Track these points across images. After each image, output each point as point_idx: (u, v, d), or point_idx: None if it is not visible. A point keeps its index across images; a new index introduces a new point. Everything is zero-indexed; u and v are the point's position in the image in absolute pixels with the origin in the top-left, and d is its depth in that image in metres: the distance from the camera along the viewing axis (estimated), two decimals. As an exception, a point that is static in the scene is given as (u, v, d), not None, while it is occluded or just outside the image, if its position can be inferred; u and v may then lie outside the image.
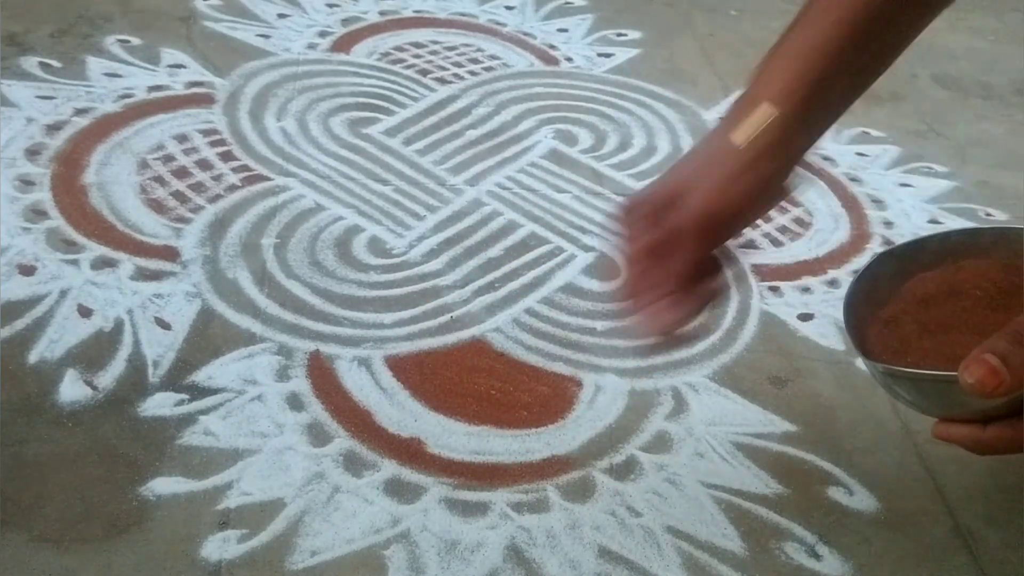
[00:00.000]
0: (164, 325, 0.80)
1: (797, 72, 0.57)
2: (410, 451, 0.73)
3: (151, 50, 1.16)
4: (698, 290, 0.58)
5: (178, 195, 0.95)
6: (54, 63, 1.11)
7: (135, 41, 1.18)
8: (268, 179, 0.99)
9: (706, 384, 0.83)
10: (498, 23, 1.36)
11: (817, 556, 0.69)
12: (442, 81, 1.20)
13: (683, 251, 0.57)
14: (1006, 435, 0.52)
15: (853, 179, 1.13)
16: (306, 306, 0.84)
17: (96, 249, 0.86)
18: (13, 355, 0.75)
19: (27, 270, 0.83)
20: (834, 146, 1.19)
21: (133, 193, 0.94)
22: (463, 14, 1.37)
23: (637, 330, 0.58)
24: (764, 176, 0.57)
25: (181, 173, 0.97)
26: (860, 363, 0.57)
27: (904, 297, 0.61)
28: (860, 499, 0.74)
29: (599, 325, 0.88)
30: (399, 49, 1.26)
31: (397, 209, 0.98)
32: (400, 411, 0.76)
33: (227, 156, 1.01)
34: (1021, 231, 0.59)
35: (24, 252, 0.85)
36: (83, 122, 1.02)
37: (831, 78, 0.58)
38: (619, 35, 1.38)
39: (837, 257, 1.00)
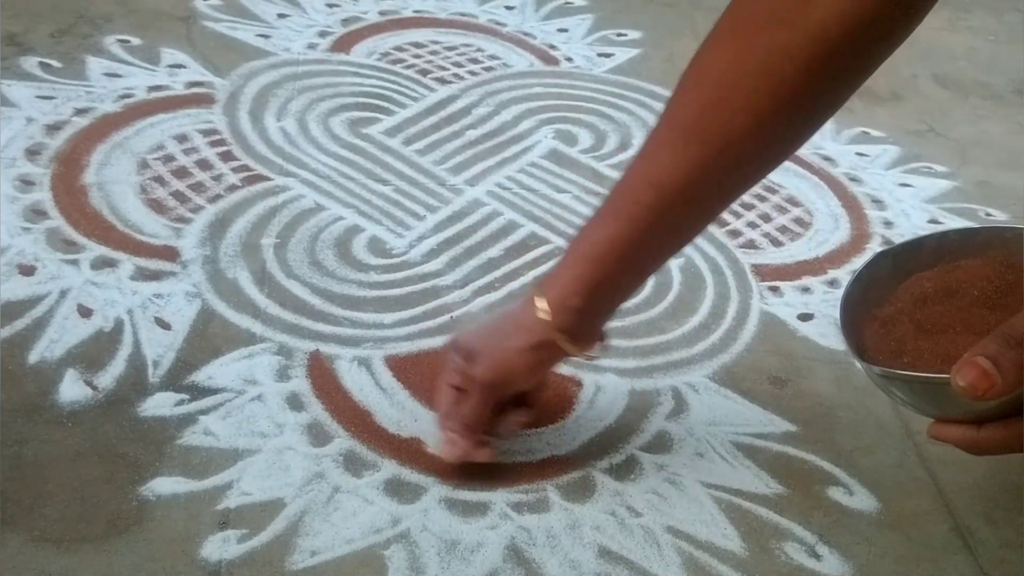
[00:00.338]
0: (164, 325, 0.80)
1: (582, 276, 0.65)
2: (410, 451, 0.73)
3: (151, 50, 1.16)
4: (500, 424, 0.72)
5: (178, 195, 0.95)
6: (54, 63, 1.11)
7: (135, 41, 1.18)
8: (268, 179, 0.99)
9: (706, 384, 0.83)
10: (498, 23, 1.36)
11: (817, 556, 0.69)
12: (442, 81, 1.20)
13: (472, 399, 0.69)
14: (1000, 436, 0.52)
15: (853, 179, 1.13)
16: (306, 306, 0.84)
17: (96, 249, 0.86)
18: (13, 355, 0.75)
19: (27, 270, 0.83)
20: (834, 146, 1.19)
21: (133, 193, 0.94)
22: (463, 14, 1.37)
23: (438, 451, 0.71)
24: (554, 355, 0.69)
25: (181, 173, 0.97)
26: (858, 364, 0.58)
27: (901, 297, 0.61)
28: (860, 499, 0.74)
29: (599, 325, 0.88)
30: (399, 49, 1.26)
31: (397, 209, 0.98)
32: (400, 411, 0.76)
33: (227, 156, 1.01)
34: (1018, 230, 0.59)
35: (24, 252, 0.85)
36: (83, 122, 1.02)
37: (615, 278, 0.66)
38: (619, 35, 1.38)
39: (837, 257, 1.00)
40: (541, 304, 0.66)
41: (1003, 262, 0.59)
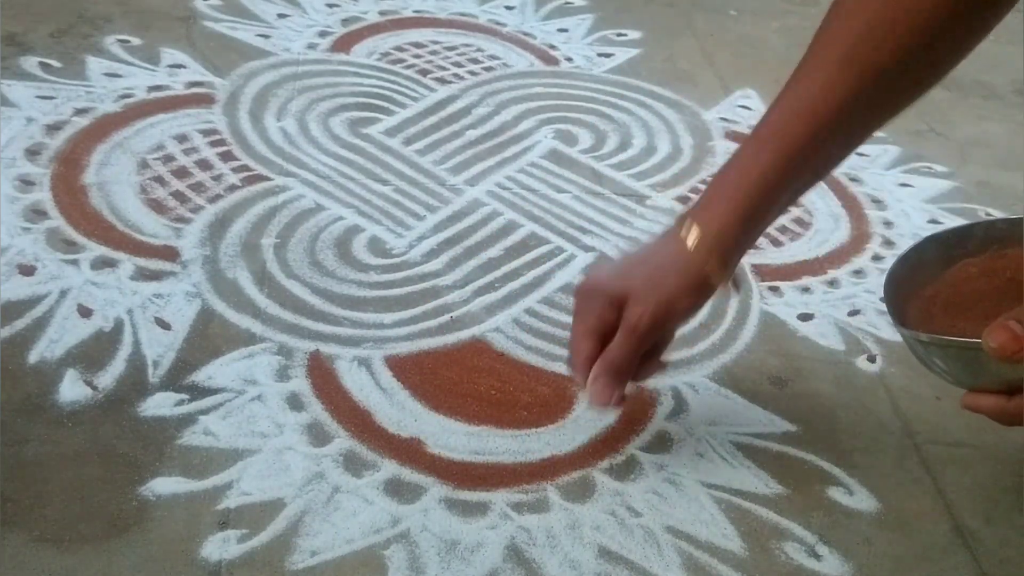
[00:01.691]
0: (164, 325, 0.80)
1: (738, 207, 0.64)
2: (410, 451, 0.73)
3: (151, 50, 1.16)
4: (642, 368, 0.69)
5: (178, 195, 0.95)
6: (54, 63, 1.11)
7: (135, 41, 1.18)
8: (268, 179, 0.99)
9: (706, 384, 0.83)
10: (498, 23, 1.36)
11: (817, 556, 0.69)
12: (442, 81, 1.20)
13: (630, 346, 0.66)
14: None
15: (853, 179, 1.13)
16: (306, 306, 0.84)
17: (96, 249, 0.86)
18: (13, 355, 0.75)
19: (27, 270, 0.83)
20: (834, 146, 1.19)
21: (133, 193, 0.94)
22: (463, 14, 1.37)
23: (586, 400, 0.68)
24: (707, 292, 0.66)
25: (181, 173, 0.97)
26: (896, 335, 0.59)
27: (946, 280, 0.63)
28: (860, 499, 0.74)
29: (599, 325, 0.88)
30: (399, 49, 1.26)
31: (397, 209, 0.98)
32: (400, 411, 0.76)
33: (227, 156, 1.01)
34: None
35: (24, 252, 0.85)
36: (83, 122, 1.02)
37: (768, 207, 0.65)
38: (619, 35, 1.38)
39: (837, 257, 1.00)
40: (693, 238, 0.64)
41: None
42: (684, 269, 0.65)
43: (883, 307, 0.93)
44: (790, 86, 0.64)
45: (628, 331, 0.65)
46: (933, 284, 0.63)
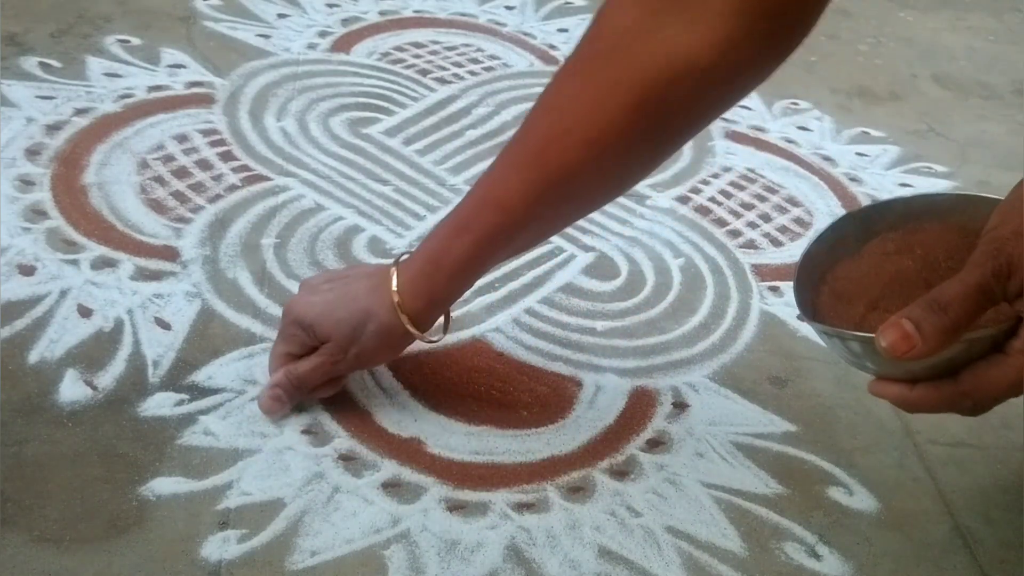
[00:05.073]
0: (164, 325, 0.80)
1: (436, 286, 0.69)
2: (410, 451, 0.73)
3: (151, 50, 1.16)
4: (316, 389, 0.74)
5: (178, 195, 0.95)
6: (54, 63, 1.11)
7: (135, 41, 1.18)
8: (268, 179, 0.99)
9: (706, 384, 0.83)
10: (498, 23, 1.36)
11: (817, 556, 0.69)
12: (442, 81, 1.20)
13: (320, 375, 0.72)
14: (931, 396, 0.55)
15: (853, 179, 1.13)
16: (306, 306, 0.84)
17: (96, 249, 0.86)
18: (13, 355, 0.75)
19: (27, 270, 0.83)
20: (834, 146, 1.19)
21: (133, 193, 0.94)
22: (463, 14, 1.37)
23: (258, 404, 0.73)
24: (405, 345, 0.73)
25: (181, 173, 0.97)
26: (803, 321, 0.59)
27: (863, 256, 0.63)
28: (860, 499, 0.74)
29: (599, 325, 0.88)
30: (399, 49, 1.26)
31: (397, 209, 0.98)
32: (400, 411, 0.76)
33: (227, 156, 1.01)
34: (985, 198, 0.60)
35: (24, 252, 0.85)
36: (83, 122, 1.02)
37: (466, 281, 0.71)
38: (619, 35, 1.38)
39: (837, 257, 1.00)
40: (398, 298, 0.69)
41: (964, 227, 0.60)
42: (386, 328, 0.70)
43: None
44: (490, 173, 0.68)
45: (323, 364, 0.71)
46: (851, 261, 0.63)
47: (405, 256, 0.71)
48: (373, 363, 0.76)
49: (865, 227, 0.64)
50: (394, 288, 0.69)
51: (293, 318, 0.72)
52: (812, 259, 0.63)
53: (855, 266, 0.63)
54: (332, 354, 0.71)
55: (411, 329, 0.70)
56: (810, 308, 0.61)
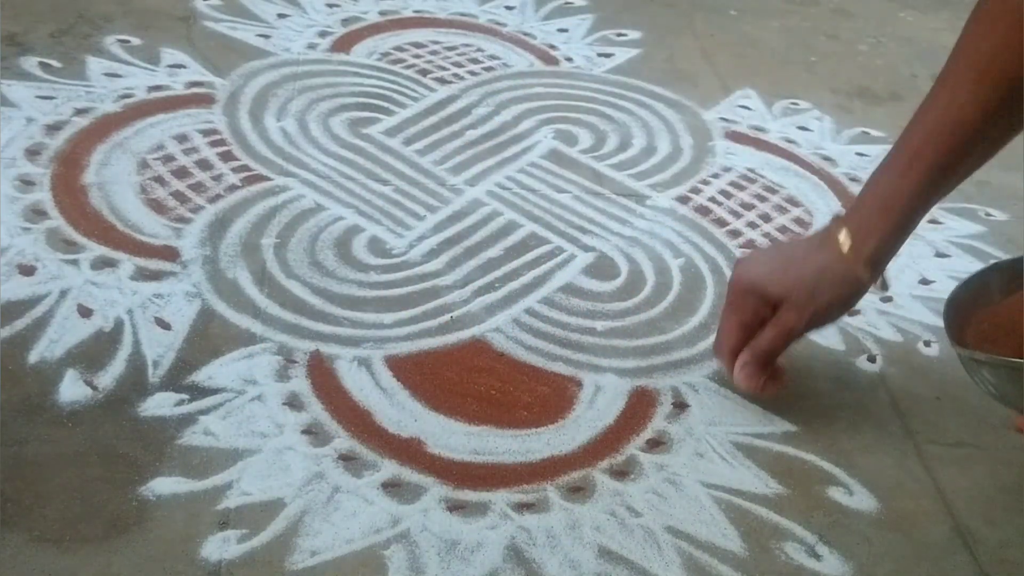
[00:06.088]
0: (164, 325, 0.80)
1: (892, 219, 0.69)
2: (410, 451, 0.73)
3: (151, 50, 1.16)
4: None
5: (178, 195, 0.95)
6: (54, 63, 1.11)
7: (135, 41, 1.18)
8: (268, 179, 0.99)
9: (706, 384, 0.83)
10: (498, 23, 1.36)
11: (817, 556, 0.69)
12: (442, 81, 1.20)
13: (781, 342, 0.74)
14: None
15: (853, 179, 1.13)
16: (306, 306, 0.84)
17: (96, 249, 0.86)
18: (13, 355, 0.75)
19: (27, 270, 0.83)
20: (834, 146, 1.19)
21: (133, 193, 0.94)
22: (463, 14, 1.37)
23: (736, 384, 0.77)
24: (859, 297, 0.72)
25: (181, 173, 0.97)
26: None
27: (1005, 306, 0.66)
28: (860, 499, 0.74)
29: (599, 325, 0.88)
30: (399, 49, 1.26)
31: (397, 209, 0.98)
32: (400, 411, 0.76)
33: (227, 156, 1.01)
34: None
35: (24, 252, 0.85)
36: (83, 122, 1.02)
37: (917, 216, 0.70)
38: (619, 35, 1.38)
39: (837, 257, 1.00)
40: (848, 246, 0.69)
41: None
42: (841, 278, 0.70)
43: (883, 307, 0.94)
44: (932, 100, 0.67)
45: (783, 331, 0.73)
46: (991, 309, 0.66)
47: (839, 213, 0.72)
48: (827, 320, 0.75)
49: (1007, 280, 0.68)
50: (841, 239, 0.69)
51: (745, 286, 0.74)
52: (957, 302, 0.67)
53: (1000, 312, 0.66)
54: (788, 319, 0.72)
55: (865, 276, 0.70)
56: (952, 338, 0.65)
